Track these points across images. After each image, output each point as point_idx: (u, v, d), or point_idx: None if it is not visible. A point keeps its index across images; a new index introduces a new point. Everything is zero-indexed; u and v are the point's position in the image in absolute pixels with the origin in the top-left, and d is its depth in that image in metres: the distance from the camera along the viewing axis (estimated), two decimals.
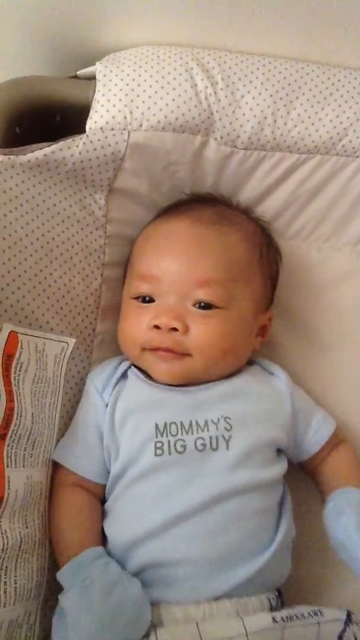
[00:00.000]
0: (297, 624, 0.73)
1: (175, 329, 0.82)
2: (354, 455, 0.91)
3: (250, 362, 0.92)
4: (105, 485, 0.84)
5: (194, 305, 0.84)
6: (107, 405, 0.85)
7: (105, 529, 0.82)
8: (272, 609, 0.77)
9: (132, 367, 0.89)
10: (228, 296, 0.85)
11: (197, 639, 0.71)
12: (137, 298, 0.87)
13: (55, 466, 0.84)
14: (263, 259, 0.92)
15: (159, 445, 0.80)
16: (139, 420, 0.83)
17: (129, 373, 0.88)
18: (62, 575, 0.76)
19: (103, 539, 0.81)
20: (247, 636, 0.71)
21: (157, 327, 0.83)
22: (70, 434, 0.86)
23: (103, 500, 0.84)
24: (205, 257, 0.85)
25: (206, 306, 0.84)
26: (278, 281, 0.98)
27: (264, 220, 1.00)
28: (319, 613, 0.75)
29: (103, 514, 0.83)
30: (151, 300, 0.86)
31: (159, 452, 0.80)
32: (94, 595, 0.71)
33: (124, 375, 0.88)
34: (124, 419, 0.83)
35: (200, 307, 0.84)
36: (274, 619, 0.73)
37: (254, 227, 0.95)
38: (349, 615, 0.76)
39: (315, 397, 0.94)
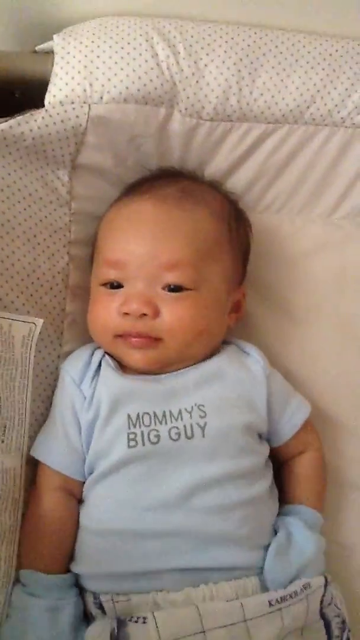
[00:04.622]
0: (291, 603, 0.73)
1: (145, 315, 0.80)
2: (318, 466, 0.90)
3: (226, 342, 0.90)
4: None
5: (163, 288, 0.82)
6: (85, 398, 0.83)
7: (80, 517, 0.80)
8: None
9: (106, 355, 0.86)
10: (198, 277, 0.83)
11: (197, 623, 0.69)
12: (105, 284, 0.84)
13: (36, 463, 0.82)
14: (232, 234, 0.90)
15: (132, 436, 0.78)
16: (111, 412, 0.80)
17: (103, 363, 0.86)
18: (34, 581, 0.75)
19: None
20: (245, 622, 0.70)
21: (127, 313, 0.81)
22: (49, 430, 0.83)
23: None
24: (172, 239, 0.83)
25: (176, 289, 0.82)
26: (250, 255, 0.96)
27: (232, 193, 0.98)
28: (308, 586, 0.75)
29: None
30: (119, 286, 0.83)
31: (132, 443, 0.78)
32: (62, 619, 0.73)
33: (99, 365, 0.86)
34: (98, 412, 0.81)
35: (170, 290, 0.82)
36: (270, 603, 0.72)
37: (221, 201, 0.92)
38: (326, 579, 0.77)
39: (291, 372, 0.93)
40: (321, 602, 0.76)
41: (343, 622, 0.76)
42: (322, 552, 0.81)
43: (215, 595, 0.73)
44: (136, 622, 0.70)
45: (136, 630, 0.70)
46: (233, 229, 0.91)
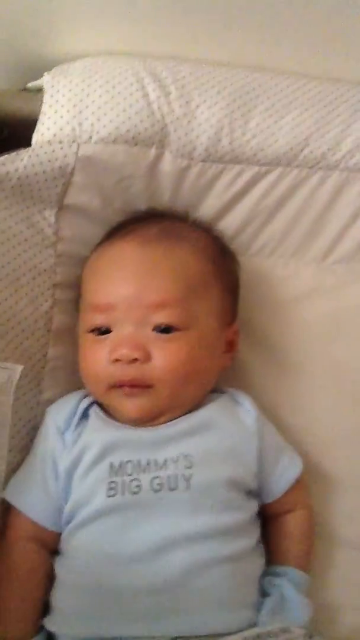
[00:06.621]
0: None
1: (137, 359, 0.77)
2: (308, 526, 0.86)
3: (219, 391, 0.87)
4: None
5: (153, 330, 0.79)
6: (65, 447, 0.80)
7: (57, 569, 0.76)
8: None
9: (94, 405, 0.83)
10: (187, 315, 0.80)
11: None
12: (92, 331, 0.82)
13: (8, 507, 0.78)
14: (218, 270, 0.87)
15: (112, 485, 0.75)
16: (93, 460, 0.77)
17: (90, 412, 0.83)
18: None
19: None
20: None
21: (117, 360, 0.78)
22: (26, 475, 0.80)
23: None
24: (157, 278, 0.80)
25: (166, 329, 0.79)
26: (239, 291, 0.93)
27: (216, 229, 0.96)
28: (288, 630, 0.70)
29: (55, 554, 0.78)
30: (108, 331, 0.81)
31: (111, 492, 0.74)
32: None
33: (85, 413, 0.83)
34: (79, 459, 0.78)
35: (161, 331, 0.79)
36: None
37: (205, 238, 0.90)
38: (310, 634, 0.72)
39: (281, 421, 0.90)
40: None
41: None
42: (312, 617, 0.77)
43: None
44: None
45: None
46: (219, 265, 0.88)
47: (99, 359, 0.79)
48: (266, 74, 0.95)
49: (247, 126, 0.92)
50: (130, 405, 0.79)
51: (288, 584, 0.77)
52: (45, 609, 0.76)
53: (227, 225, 0.98)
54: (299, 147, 0.94)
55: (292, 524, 0.84)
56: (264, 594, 0.77)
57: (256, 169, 0.95)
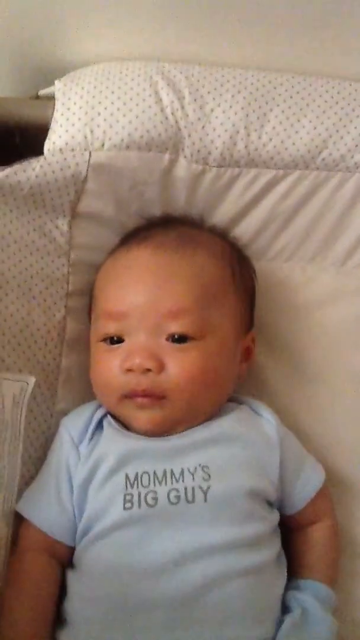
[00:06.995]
0: None
1: (150, 370, 0.76)
2: (333, 537, 0.83)
3: (237, 401, 0.85)
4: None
5: (167, 339, 0.77)
6: (80, 459, 0.78)
7: (71, 583, 0.75)
8: None
9: (108, 415, 0.82)
10: (203, 324, 0.78)
11: None
12: (104, 340, 0.80)
13: (20, 519, 0.77)
14: (236, 277, 0.85)
15: (128, 497, 0.73)
16: (109, 472, 0.76)
17: (104, 422, 0.81)
18: None
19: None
20: None
21: (130, 369, 0.76)
22: (40, 487, 0.78)
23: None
24: (173, 286, 0.78)
25: (181, 339, 0.77)
26: (255, 298, 0.91)
27: (232, 236, 0.94)
28: None
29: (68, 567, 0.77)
30: (120, 340, 0.79)
31: (127, 505, 0.73)
32: None
33: (99, 424, 0.81)
34: (94, 472, 0.76)
35: (175, 341, 0.77)
36: None
37: (222, 244, 0.88)
38: None
39: (300, 431, 0.87)
40: None
41: None
42: (336, 636, 0.74)
43: None
44: None
45: None
46: (236, 272, 0.86)
47: (111, 368, 0.78)
48: (282, 75, 0.93)
49: (263, 129, 0.90)
50: (143, 417, 0.77)
51: (311, 599, 0.75)
52: (56, 621, 0.74)
53: (244, 230, 0.96)
54: (317, 150, 0.92)
55: (316, 535, 0.82)
56: (286, 609, 0.75)
57: (273, 172, 0.93)
